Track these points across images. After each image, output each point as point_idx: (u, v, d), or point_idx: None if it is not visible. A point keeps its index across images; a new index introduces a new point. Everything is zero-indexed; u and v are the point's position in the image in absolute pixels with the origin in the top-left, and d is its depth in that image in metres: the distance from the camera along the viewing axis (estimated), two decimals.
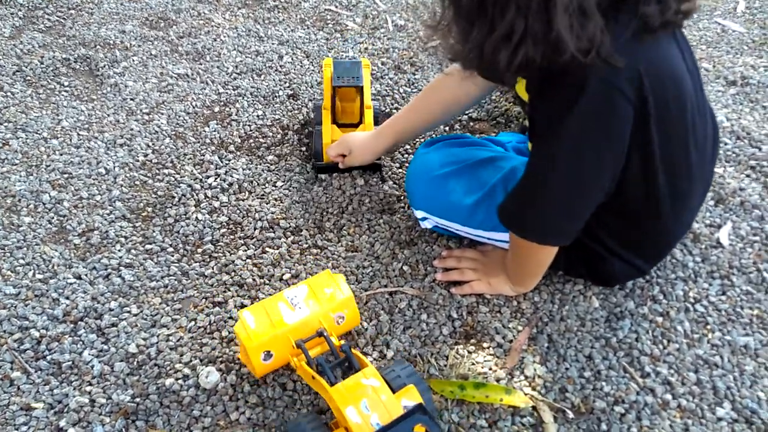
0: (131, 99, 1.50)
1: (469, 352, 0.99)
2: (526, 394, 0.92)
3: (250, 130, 1.42)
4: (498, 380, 0.94)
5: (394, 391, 0.80)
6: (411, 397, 0.80)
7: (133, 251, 1.12)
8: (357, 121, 1.31)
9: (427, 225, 1.14)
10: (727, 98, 1.55)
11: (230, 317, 1.01)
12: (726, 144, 1.39)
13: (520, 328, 1.02)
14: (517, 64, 0.71)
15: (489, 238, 1.09)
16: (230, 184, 1.26)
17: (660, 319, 1.03)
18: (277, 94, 1.53)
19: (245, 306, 1.02)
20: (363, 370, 0.81)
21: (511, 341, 1.00)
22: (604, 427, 0.89)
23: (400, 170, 1.33)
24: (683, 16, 0.79)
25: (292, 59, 1.67)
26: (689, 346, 0.99)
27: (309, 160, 1.33)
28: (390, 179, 1.30)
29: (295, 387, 0.92)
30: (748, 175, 1.32)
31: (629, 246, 0.99)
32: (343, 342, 0.86)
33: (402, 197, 1.26)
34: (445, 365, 0.97)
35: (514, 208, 0.93)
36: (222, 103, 1.50)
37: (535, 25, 0.67)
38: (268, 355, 0.85)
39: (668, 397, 0.92)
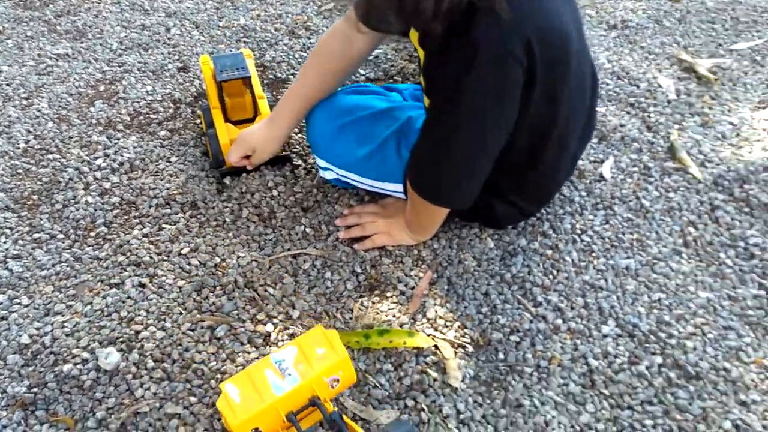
0: (7, 84, 1.41)
1: (374, 303, 1.01)
2: (428, 335, 0.97)
3: (140, 107, 1.37)
4: (401, 325, 0.98)
5: None
6: None
7: (20, 242, 1.07)
8: (251, 116, 1.23)
9: (327, 176, 1.15)
10: (609, 41, 1.63)
11: (128, 297, 0.99)
12: (608, 84, 1.47)
13: (421, 275, 1.06)
14: (445, 10, 0.72)
15: (385, 189, 1.11)
16: (121, 164, 1.22)
17: (550, 252, 1.09)
18: (166, 68, 1.48)
19: (144, 285, 1.00)
20: None
21: (413, 288, 1.04)
22: (501, 355, 0.94)
23: (300, 135, 1.32)
24: None
25: (180, 31, 1.62)
26: (577, 273, 1.06)
27: (207, 155, 1.26)
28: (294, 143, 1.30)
29: (204, 361, 0.92)
30: (627, 112, 1.40)
31: (512, 192, 1.04)
32: (335, 410, 0.77)
33: (302, 164, 1.25)
34: (351, 318, 0.99)
35: (420, 174, 0.96)
36: (108, 81, 1.44)
37: None
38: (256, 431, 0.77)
39: (559, 321, 0.99)
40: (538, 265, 1.07)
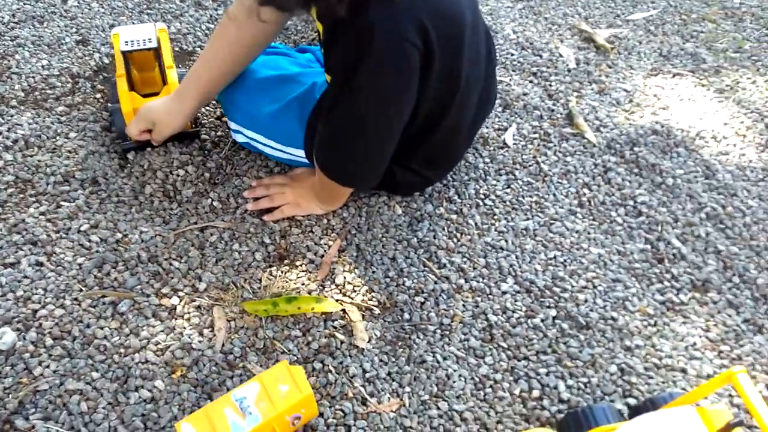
0: None
1: (283, 273, 1.02)
2: (336, 301, 0.99)
3: (35, 82, 1.31)
4: (310, 292, 0.99)
5: None
6: None
7: None
8: (160, 89, 1.17)
9: (239, 139, 1.15)
10: (515, 13, 1.68)
11: (24, 276, 0.96)
12: (512, 55, 1.52)
13: (330, 243, 1.08)
14: None
15: (290, 154, 1.11)
16: (15, 141, 1.16)
17: (455, 217, 1.13)
18: (63, 41, 1.41)
19: (41, 263, 0.97)
20: None
21: (323, 256, 1.05)
22: (406, 316, 0.98)
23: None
24: None
25: (78, 3, 1.54)
26: (479, 236, 1.11)
27: (106, 112, 1.25)
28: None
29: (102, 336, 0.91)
30: (530, 81, 1.45)
31: (413, 160, 1.07)
32: None
33: (210, 138, 1.24)
34: (259, 288, 1.00)
35: (326, 155, 0.97)
36: None
37: None
38: None
39: (461, 281, 1.03)
40: (443, 229, 1.11)
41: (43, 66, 1.35)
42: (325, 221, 1.11)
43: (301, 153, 1.09)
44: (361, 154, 0.96)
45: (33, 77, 1.32)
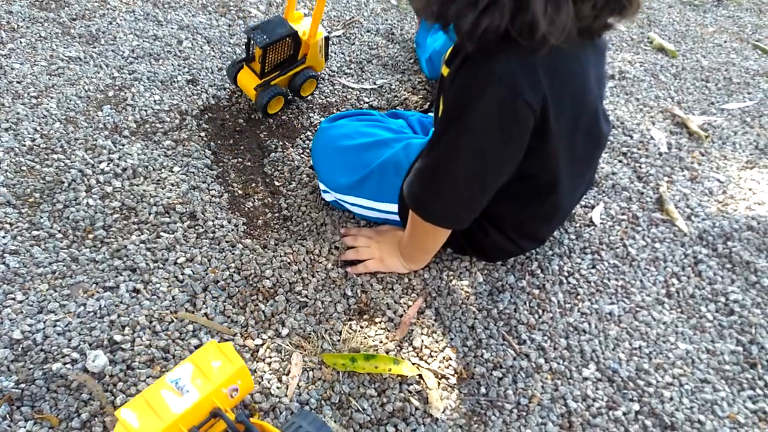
0: (17, 82, 1.43)
1: (362, 327, 1.03)
2: (413, 364, 0.98)
3: (146, 115, 1.39)
4: (388, 351, 0.99)
5: None
6: None
7: (18, 237, 1.08)
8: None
9: (327, 198, 1.19)
10: (607, 91, 1.68)
11: (121, 302, 1.00)
12: None
13: (410, 303, 1.08)
14: (480, 32, 0.72)
15: (380, 210, 1.13)
16: (124, 169, 1.24)
17: (537, 291, 1.12)
18: (175, 79, 1.51)
19: (138, 290, 1.02)
20: None
21: (401, 316, 1.06)
22: (483, 390, 0.96)
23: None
24: (606, 28, 0.82)
25: (192, 44, 1.65)
26: (562, 314, 1.09)
27: (211, 142, 1.32)
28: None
29: None
30: (620, 161, 1.44)
31: (511, 226, 1.07)
32: (238, 412, 0.78)
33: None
34: (338, 340, 1.01)
35: (417, 189, 0.97)
36: (117, 88, 1.46)
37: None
38: None
39: (541, 361, 1.01)
40: (525, 303, 1.10)
41: (155, 101, 1.44)
42: (406, 280, 1.12)
43: (392, 208, 1.11)
44: (448, 186, 0.93)
45: (145, 110, 1.41)
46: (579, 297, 1.12)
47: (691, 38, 1.99)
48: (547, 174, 0.95)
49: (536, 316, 1.08)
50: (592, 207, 1.31)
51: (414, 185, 0.97)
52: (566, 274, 1.16)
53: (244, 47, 1.46)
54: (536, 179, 0.96)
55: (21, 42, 1.57)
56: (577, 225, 1.26)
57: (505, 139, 0.86)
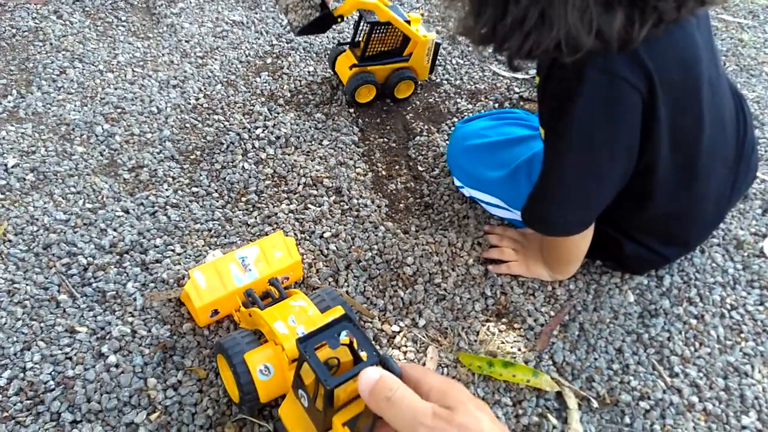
0: (186, 41, 1.50)
1: (500, 331, 0.99)
2: (552, 379, 0.93)
3: (300, 86, 1.41)
4: (526, 362, 0.95)
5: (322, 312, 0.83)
6: (337, 314, 0.81)
7: (179, 192, 1.14)
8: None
9: (465, 192, 1.18)
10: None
11: None
12: None
13: (552, 313, 1.02)
14: (526, 51, 0.68)
15: (517, 214, 1.08)
16: (277, 137, 1.26)
17: (694, 322, 1.03)
18: (329, 52, 1.52)
19: None
20: (292, 296, 0.85)
21: (542, 325, 1.01)
22: (627, 420, 0.90)
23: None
24: (701, 5, 0.71)
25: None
26: (721, 351, 0.99)
27: (359, 119, 1.33)
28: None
29: None
30: None
31: (642, 232, 0.99)
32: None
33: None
34: (475, 340, 0.98)
35: (534, 207, 0.93)
36: (275, 55, 1.50)
37: (550, 15, 0.64)
38: (215, 312, 0.90)
39: (694, 399, 0.93)
40: (680, 332, 1.01)
41: (309, 72, 1.46)
42: (550, 288, 1.06)
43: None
44: (567, 195, 0.88)
45: (300, 80, 1.43)
46: (742, 335, 1.02)
47: None
48: (668, 165, 0.86)
49: (692, 348, 0.99)
50: (764, 236, 1.18)
51: (531, 205, 0.93)
52: (729, 307, 1.05)
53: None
54: (656, 173, 0.86)
55: (191, 2, 1.64)
56: (745, 254, 1.14)
57: (614, 124, 0.79)
